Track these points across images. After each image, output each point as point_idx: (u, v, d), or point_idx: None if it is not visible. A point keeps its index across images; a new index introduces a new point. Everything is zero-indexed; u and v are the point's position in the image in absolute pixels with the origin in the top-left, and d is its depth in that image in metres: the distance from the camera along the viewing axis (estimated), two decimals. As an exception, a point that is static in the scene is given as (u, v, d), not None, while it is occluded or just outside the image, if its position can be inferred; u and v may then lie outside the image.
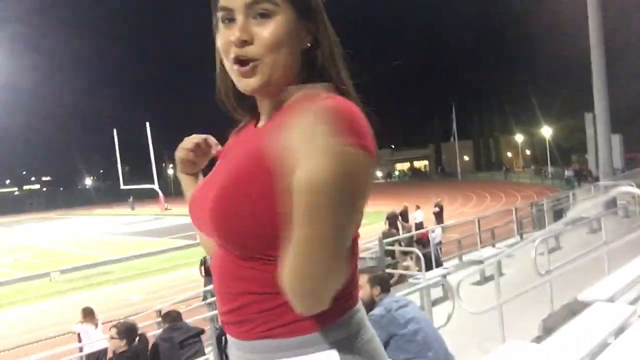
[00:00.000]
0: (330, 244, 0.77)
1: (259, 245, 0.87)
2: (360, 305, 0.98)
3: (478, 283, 7.96)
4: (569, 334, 3.31)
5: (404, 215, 17.22)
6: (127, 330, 4.40)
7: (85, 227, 40.20)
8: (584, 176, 29.77)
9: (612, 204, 10.32)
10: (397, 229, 14.27)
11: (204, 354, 4.72)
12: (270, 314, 0.90)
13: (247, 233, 0.86)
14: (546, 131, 51.63)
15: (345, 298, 0.93)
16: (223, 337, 4.91)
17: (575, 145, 44.28)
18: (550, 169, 46.31)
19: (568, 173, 34.45)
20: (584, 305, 4.08)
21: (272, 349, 0.91)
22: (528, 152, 70.50)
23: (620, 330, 2.99)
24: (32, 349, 8.57)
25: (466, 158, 72.73)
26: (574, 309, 4.28)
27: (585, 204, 9.13)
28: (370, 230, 16.14)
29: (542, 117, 52.36)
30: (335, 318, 0.91)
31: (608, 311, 3.58)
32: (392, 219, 15.05)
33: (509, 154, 74.69)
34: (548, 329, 4.43)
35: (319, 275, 0.79)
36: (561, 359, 2.92)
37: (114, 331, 4.56)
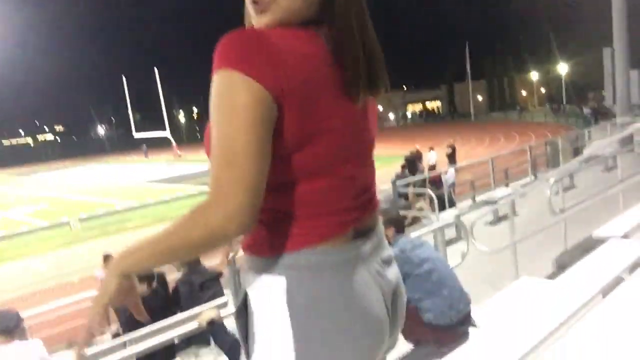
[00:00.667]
0: (218, 153, 0.88)
1: None
2: (321, 256, 0.99)
3: (492, 223, 8.00)
4: (582, 270, 3.34)
5: (418, 158, 17.12)
6: (146, 274, 4.51)
7: (101, 175, 40.66)
8: (602, 114, 29.08)
9: (628, 141, 10.16)
10: (413, 171, 14.23)
11: (222, 294, 4.84)
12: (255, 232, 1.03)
13: None
14: (562, 68, 50.39)
15: (294, 235, 0.99)
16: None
17: (591, 82, 43.26)
18: (566, 107, 45.46)
19: (586, 110, 33.59)
20: (598, 242, 4.09)
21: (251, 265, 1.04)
22: (543, 90, 69.09)
23: (634, 266, 3.01)
24: (57, 293, 8.87)
25: (480, 98, 71.58)
26: (588, 246, 4.30)
27: (601, 141, 8.99)
28: (385, 173, 16.15)
29: (558, 53, 51.00)
30: (286, 250, 0.99)
31: (622, 247, 3.59)
32: (411, 161, 14.96)
33: (524, 93, 73.33)
34: (562, 265, 4.48)
35: (216, 184, 0.89)
36: (575, 294, 2.96)
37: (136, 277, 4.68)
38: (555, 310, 2.88)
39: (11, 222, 22.49)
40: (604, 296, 2.67)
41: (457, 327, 3.05)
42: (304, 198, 0.98)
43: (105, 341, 5.36)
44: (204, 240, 0.91)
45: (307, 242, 0.98)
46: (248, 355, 1.05)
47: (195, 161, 40.02)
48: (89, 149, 77.13)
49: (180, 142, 57.80)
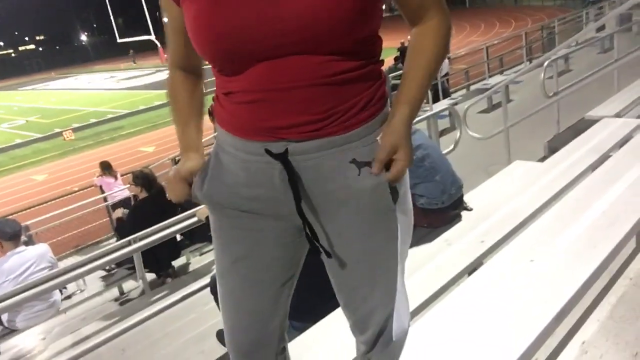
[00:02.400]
0: None
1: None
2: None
3: (485, 111, 7.98)
4: (573, 150, 3.37)
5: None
6: (143, 178, 4.55)
7: (89, 84, 39.86)
8: None
9: (626, 19, 9.87)
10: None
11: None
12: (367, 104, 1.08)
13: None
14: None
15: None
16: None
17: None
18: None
19: None
20: (590, 123, 4.10)
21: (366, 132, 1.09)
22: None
23: (624, 142, 3.04)
24: (60, 203, 9.02)
25: (475, -16, 68.39)
26: (581, 127, 4.32)
27: (597, 22, 8.73)
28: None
29: None
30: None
31: (613, 126, 3.61)
32: (404, 52, 14.56)
33: (521, -24, 69.96)
34: (554, 148, 4.52)
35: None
36: (564, 172, 3.01)
37: (131, 179, 4.73)
38: (544, 189, 2.95)
39: (3, 135, 22.36)
40: (592, 171, 2.72)
41: (449, 211, 3.12)
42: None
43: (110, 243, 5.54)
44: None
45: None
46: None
47: (184, 65, 38.90)
48: (74, 58, 74.78)
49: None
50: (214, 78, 1.15)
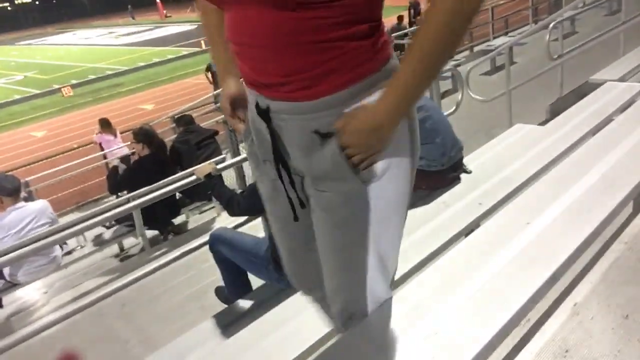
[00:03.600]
0: None
1: None
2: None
3: (488, 73, 7.89)
4: (575, 114, 3.34)
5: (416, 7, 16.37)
6: (144, 134, 4.53)
7: (87, 39, 39.23)
8: None
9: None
10: (411, 22, 13.60)
11: (220, 153, 4.93)
12: (349, 59, 0.95)
13: None
14: None
15: (384, 45, 1.00)
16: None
17: None
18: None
19: None
20: (594, 86, 4.05)
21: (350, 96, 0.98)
22: None
23: (626, 107, 3.01)
24: (60, 159, 9.02)
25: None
26: (584, 91, 4.27)
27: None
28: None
29: None
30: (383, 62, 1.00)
31: (617, 90, 3.56)
32: (415, 7, 14.24)
33: None
34: (556, 112, 4.49)
35: None
36: (565, 136, 3.00)
37: (132, 137, 4.72)
38: (544, 153, 2.94)
39: (1, 91, 22.16)
40: (593, 135, 2.71)
41: (448, 173, 3.12)
42: None
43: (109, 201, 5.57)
44: (465, 29, 0.92)
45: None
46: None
47: (183, 22, 38.32)
48: (71, 13, 73.20)
49: (166, 1, 54.78)
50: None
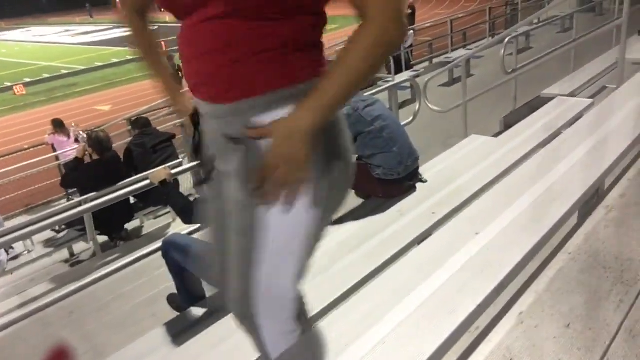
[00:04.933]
0: None
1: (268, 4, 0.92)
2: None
3: (446, 84, 8.06)
4: (526, 127, 3.46)
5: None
6: (96, 142, 4.41)
7: (43, 37, 38.02)
8: None
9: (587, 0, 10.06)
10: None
11: (177, 157, 4.85)
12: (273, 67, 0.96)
13: None
14: None
15: (311, 64, 1.00)
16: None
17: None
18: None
19: None
20: (545, 100, 4.20)
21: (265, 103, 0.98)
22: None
23: (575, 121, 3.13)
24: (9, 160, 8.69)
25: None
26: (536, 105, 4.42)
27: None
28: (341, 35, 15.66)
29: None
30: (303, 79, 0.98)
31: (566, 105, 3.71)
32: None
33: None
34: (509, 124, 4.62)
35: (394, 5, 0.91)
36: (516, 148, 3.09)
37: (86, 138, 4.59)
38: (497, 164, 3.02)
39: (-51, 88, 21.21)
40: (543, 147, 2.80)
41: (405, 182, 3.17)
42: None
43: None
44: (385, 57, 0.97)
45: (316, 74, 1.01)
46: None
47: (144, 22, 37.55)
48: (26, 9, 70.93)
49: (126, 0, 53.67)
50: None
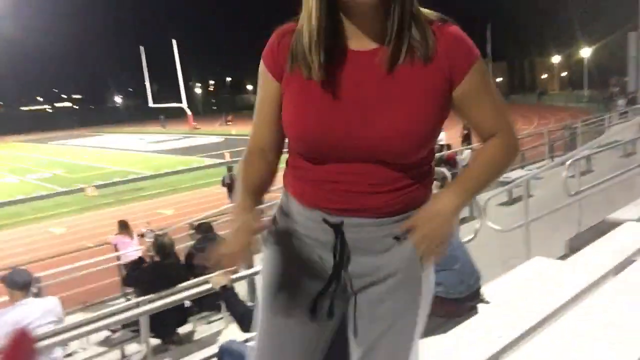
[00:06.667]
0: (501, 105, 1.30)
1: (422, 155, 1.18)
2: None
3: (506, 204, 7.97)
4: (595, 252, 3.32)
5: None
6: (160, 246, 4.57)
7: (118, 144, 40.98)
8: (630, 100, 25.40)
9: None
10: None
11: (235, 263, 4.90)
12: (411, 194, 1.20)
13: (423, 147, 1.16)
14: (585, 52, 49.30)
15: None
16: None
17: (613, 67, 42.14)
18: (586, 91, 44.41)
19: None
20: (612, 225, 4.06)
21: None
22: (564, 74, 67.81)
23: (648, 249, 2.99)
24: (73, 258, 9.03)
25: (499, 79, 70.51)
26: (603, 229, 4.27)
27: (620, 126, 8.86)
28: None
29: (581, 37, 49.90)
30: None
31: (637, 231, 3.56)
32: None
33: (544, 76, 72.04)
34: (574, 247, 4.46)
35: (509, 120, 1.28)
36: (585, 274, 2.95)
37: (151, 239, 4.76)
38: (565, 288, 2.88)
39: (28, 186, 22.84)
40: (614, 275, 2.66)
41: (466, 302, 3.06)
42: None
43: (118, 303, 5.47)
44: (513, 161, 1.27)
45: None
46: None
47: (210, 134, 40.10)
48: (106, 118, 77.43)
49: (196, 114, 57.80)
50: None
